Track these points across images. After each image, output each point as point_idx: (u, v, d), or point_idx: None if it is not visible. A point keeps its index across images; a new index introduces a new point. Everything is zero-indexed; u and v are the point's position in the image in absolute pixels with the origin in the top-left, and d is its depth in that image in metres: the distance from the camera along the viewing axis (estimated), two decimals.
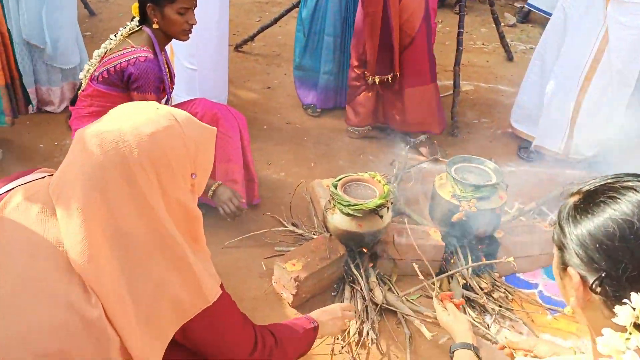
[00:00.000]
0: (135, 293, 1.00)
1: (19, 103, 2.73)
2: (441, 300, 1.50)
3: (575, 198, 0.84)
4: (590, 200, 0.81)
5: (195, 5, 2.04)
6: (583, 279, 0.81)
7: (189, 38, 2.10)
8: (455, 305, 1.46)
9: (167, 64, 2.20)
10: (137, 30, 2.07)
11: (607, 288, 0.77)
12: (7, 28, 2.57)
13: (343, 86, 3.36)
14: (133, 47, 2.01)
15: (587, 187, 0.84)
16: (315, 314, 1.44)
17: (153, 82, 2.00)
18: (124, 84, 2.03)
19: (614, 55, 2.72)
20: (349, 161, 3.01)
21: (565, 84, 2.88)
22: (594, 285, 0.78)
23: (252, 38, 4.33)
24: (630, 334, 0.74)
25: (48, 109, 3.14)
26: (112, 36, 2.07)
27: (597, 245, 0.77)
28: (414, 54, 2.85)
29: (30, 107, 2.95)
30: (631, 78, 2.83)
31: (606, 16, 2.66)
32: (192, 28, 2.07)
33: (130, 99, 2.00)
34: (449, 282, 2.14)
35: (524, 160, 3.18)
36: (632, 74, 2.82)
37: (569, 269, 0.82)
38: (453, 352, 1.28)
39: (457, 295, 2.01)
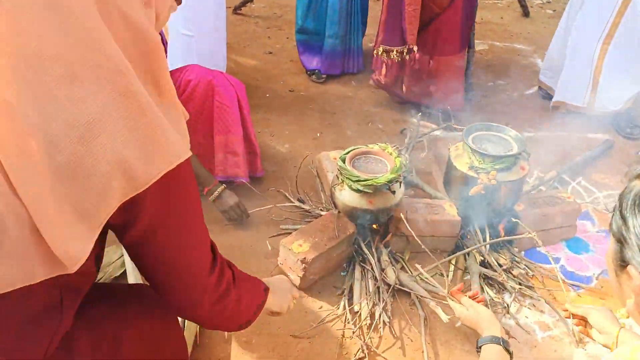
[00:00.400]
0: (54, 147, 0.67)
1: None
2: (452, 297, 1.38)
3: None
4: None
5: None
6: None
7: (180, 2, 1.90)
8: (471, 297, 1.34)
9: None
10: None
11: None
12: None
13: (351, 51, 3.16)
14: None
15: None
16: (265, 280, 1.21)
17: None
18: None
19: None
20: (357, 131, 2.85)
21: (588, 36, 2.74)
22: None
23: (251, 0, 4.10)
24: None
25: None
26: None
27: None
28: (442, 25, 2.66)
29: None
30: None
31: None
32: None
33: None
34: (465, 260, 2.02)
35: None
36: None
37: (630, 267, 0.71)
38: (480, 346, 1.17)
39: (473, 283, 1.88)
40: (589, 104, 2.86)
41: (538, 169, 2.51)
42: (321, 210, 2.20)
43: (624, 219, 0.72)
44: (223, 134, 2.12)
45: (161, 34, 2.10)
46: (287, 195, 2.30)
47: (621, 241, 0.73)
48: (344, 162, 1.90)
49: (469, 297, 1.33)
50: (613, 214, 0.76)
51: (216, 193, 2.02)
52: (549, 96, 3.16)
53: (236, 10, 4.13)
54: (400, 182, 1.94)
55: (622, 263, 0.73)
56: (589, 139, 2.84)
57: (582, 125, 2.95)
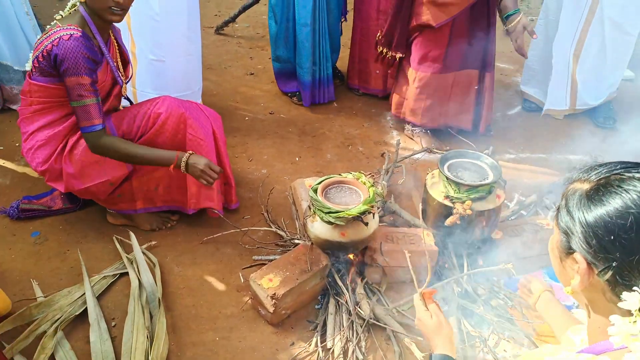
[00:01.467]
0: None
1: None
2: (422, 297, 1.33)
3: (586, 186, 0.85)
4: (603, 189, 0.82)
5: None
6: (589, 265, 0.83)
7: (120, 19, 1.81)
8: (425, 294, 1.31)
9: (118, 49, 1.98)
10: (73, 11, 1.84)
11: (617, 276, 0.79)
12: None
13: (321, 81, 3.10)
14: (59, 26, 1.76)
15: (596, 176, 0.85)
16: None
17: (83, 63, 1.74)
18: (56, 71, 1.78)
19: (607, 4, 2.78)
20: (337, 154, 2.81)
21: (565, 38, 2.97)
22: (602, 272, 0.81)
23: (233, 19, 4.08)
24: (636, 317, 0.77)
25: (14, 107, 2.93)
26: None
27: (612, 237, 0.78)
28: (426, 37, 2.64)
29: None
30: (629, 27, 2.90)
31: None
32: (122, 8, 1.78)
33: (67, 89, 1.78)
34: (444, 290, 1.97)
35: (527, 112, 3.30)
36: (630, 23, 2.89)
37: (575, 254, 0.84)
38: None
39: (450, 315, 1.83)
40: (570, 105, 3.11)
41: (519, 192, 2.48)
42: (297, 239, 2.15)
43: (570, 214, 0.84)
44: None
45: (127, 58, 2.06)
46: (260, 226, 2.24)
47: (567, 233, 0.86)
48: (316, 193, 1.86)
49: (429, 296, 1.30)
50: (558, 211, 0.89)
51: (183, 164, 1.90)
52: (533, 108, 3.28)
53: (218, 30, 4.10)
54: (374, 214, 1.89)
55: (569, 251, 0.86)
56: (570, 160, 2.82)
57: (563, 146, 2.94)
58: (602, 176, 0.84)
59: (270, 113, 3.15)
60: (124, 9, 1.80)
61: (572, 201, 0.85)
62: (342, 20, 3.18)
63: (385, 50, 2.79)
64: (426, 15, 2.56)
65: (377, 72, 3.18)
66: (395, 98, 2.93)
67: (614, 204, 0.79)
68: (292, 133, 2.97)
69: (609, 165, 0.85)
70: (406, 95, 2.84)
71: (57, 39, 1.73)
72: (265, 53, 3.89)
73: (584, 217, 0.82)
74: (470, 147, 2.67)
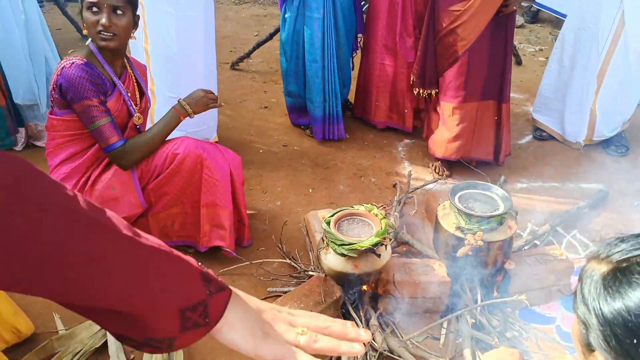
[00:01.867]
0: None
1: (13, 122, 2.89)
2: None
3: (604, 268, 0.70)
4: (623, 275, 0.66)
5: (112, 5, 1.82)
6: None
7: (110, 45, 1.87)
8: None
9: (135, 83, 2.07)
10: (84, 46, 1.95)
11: None
12: None
13: (330, 117, 3.17)
14: (66, 58, 1.87)
15: (618, 255, 0.69)
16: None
17: (87, 86, 1.80)
18: (66, 101, 1.87)
19: (631, 35, 2.80)
20: (350, 185, 2.86)
21: (586, 70, 2.99)
22: None
23: (247, 55, 4.22)
24: None
25: (38, 143, 3.05)
26: None
27: (636, 340, 0.63)
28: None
29: (18, 136, 3.00)
30: None
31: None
32: (110, 33, 1.84)
33: (79, 118, 1.87)
34: (457, 321, 1.97)
35: (538, 140, 3.33)
36: None
37: (596, 353, 0.70)
38: None
39: (465, 347, 1.83)
40: (587, 136, 3.14)
41: (532, 221, 2.49)
42: (311, 270, 2.18)
43: (586, 304, 0.70)
44: (210, 207, 2.12)
45: (146, 94, 2.16)
46: (275, 259, 2.28)
47: (586, 325, 0.71)
48: (329, 225, 1.90)
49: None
50: (575, 295, 0.74)
51: (188, 109, 2.06)
52: (544, 137, 3.30)
53: (233, 65, 4.24)
54: (386, 245, 1.92)
55: (589, 347, 0.71)
56: (582, 189, 2.83)
57: (575, 175, 2.94)
58: (623, 256, 0.69)
59: (284, 145, 3.23)
60: (115, 34, 1.86)
61: (587, 287, 0.71)
62: (353, 54, 3.28)
63: (420, 91, 2.90)
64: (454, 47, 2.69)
65: (377, 104, 3.26)
66: (430, 139, 3.00)
67: (633, 297, 0.64)
68: (305, 165, 3.03)
69: (634, 241, 0.69)
70: (436, 129, 2.93)
71: (61, 69, 1.84)
72: (278, 87, 4.00)
73: (600, 309, 0.68)
74: (483, 177, 2.70)
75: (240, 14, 5.88)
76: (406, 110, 3.20)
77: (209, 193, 2.06)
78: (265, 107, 3.70)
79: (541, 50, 4.91)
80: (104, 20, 1.81)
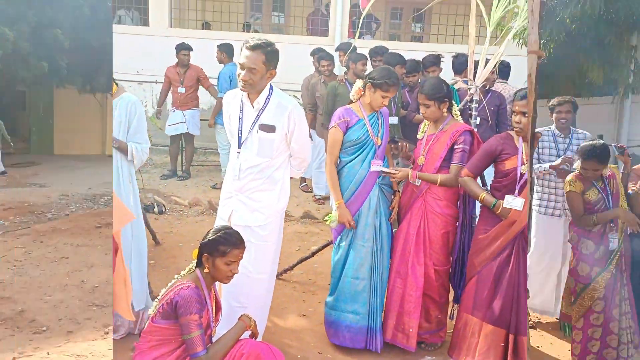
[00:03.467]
0: None
1: None
2: None
3: None
4: None
5: (240, 258, 2.63)
6: None
7: (229, 282, 2.66)
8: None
9: (215, 300, 2.68)
10: (190, 272, 2.63)
11: None
12: None
13: (371, 330, 3.52)
14: (180, 282, 2.54)
15: None
16: None
17: (195, 305, 2.43)
18: (175, 314, 2.47)
19: None
20: None
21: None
22: None
23: (291, 268, 4.91)
24: None
25: (114, 336, 3.55)
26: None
27: None
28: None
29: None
30: None
31: None
32: (234, 275, 2.64)
33: (180, 327, 2.44)
34: None
35: None
36: None
37: None
38: None
39: None
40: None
41: None
42: None
43: None
44: None
45: (217, 301, 2.76)
46: None
47: None
48: None
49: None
50: None
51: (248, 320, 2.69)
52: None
53: (278, 276, 4.89)
54: None
55: None
56: None
57: None
58: None
59: (319, 352, 3.61)
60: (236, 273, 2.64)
61: None
62: None
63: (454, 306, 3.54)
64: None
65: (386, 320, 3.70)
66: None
67: None
68: None
69: None
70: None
71: (178, 289, 2.48)
72: (315, 297, 4.52)
73: None
74: None
75: (286, 229, 6.79)
76: (411, 330, 3.50)
77: None
78: (304, 315, 4.17)
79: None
80: (236, 270, 2.64)
